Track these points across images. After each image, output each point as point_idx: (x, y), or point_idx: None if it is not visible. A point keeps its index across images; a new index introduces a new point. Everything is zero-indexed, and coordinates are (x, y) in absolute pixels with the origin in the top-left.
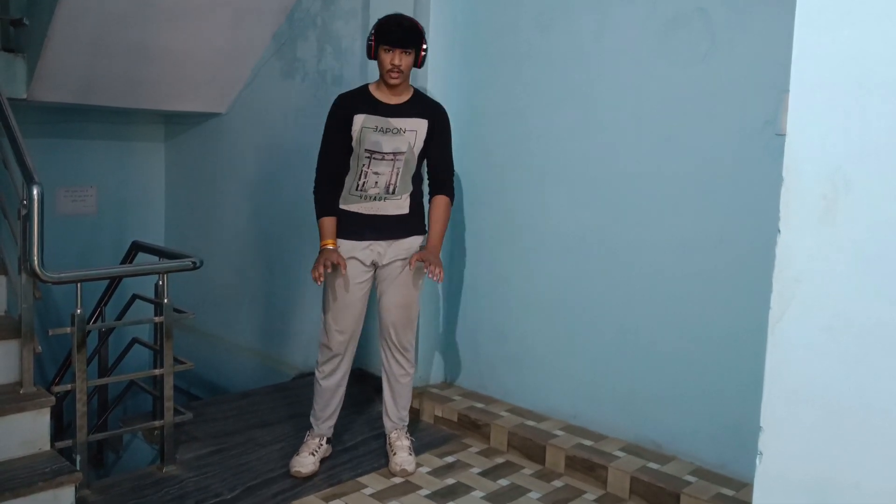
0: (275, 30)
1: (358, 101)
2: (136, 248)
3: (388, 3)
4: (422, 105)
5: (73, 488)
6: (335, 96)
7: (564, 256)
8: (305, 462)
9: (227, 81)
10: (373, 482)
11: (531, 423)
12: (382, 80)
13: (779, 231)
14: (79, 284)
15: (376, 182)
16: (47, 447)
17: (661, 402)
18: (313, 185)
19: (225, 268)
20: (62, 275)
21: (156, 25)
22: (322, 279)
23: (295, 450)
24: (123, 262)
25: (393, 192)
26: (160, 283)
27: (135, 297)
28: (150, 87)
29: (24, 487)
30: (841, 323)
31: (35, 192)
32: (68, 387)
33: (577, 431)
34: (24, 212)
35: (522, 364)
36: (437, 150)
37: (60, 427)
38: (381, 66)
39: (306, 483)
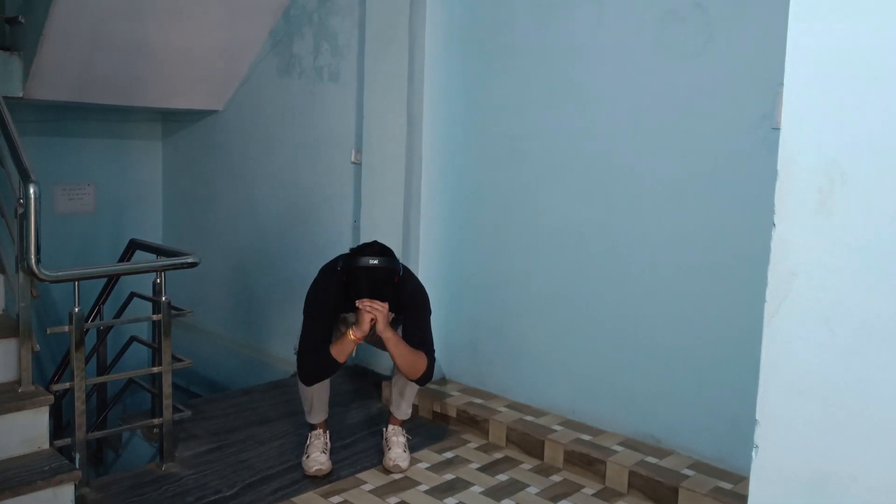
0: (271, 27)
1: (337, 298)
2: (134, 245)
3: None
4: (398, 305)
5: (73, 486)
6: (333, 94)
7: (562, 251)
8: (321, 459)
9: (223, 79)
10: (371, 478)
11: (530, 418)
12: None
13: (774, 224)
14: (76, 283)
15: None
16: (46, 445)
17: (660, 397)
18: (299, 367)
19: (223, 265)
20: (60, 273)
21: (152, 23)
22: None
23: (294, 446)
24: (121, 260)
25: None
26: (158, 280)
27: (133, 295)
28: (146, 85)
29: (23, 486)
30: (837, 315)
31: (32, 190)
32: (67, 385)
33: (576, 426)
34: (21, 210)
35: (521, 359)
36: (411, 330)
37: (59, 425)
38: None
39: (305, 479)
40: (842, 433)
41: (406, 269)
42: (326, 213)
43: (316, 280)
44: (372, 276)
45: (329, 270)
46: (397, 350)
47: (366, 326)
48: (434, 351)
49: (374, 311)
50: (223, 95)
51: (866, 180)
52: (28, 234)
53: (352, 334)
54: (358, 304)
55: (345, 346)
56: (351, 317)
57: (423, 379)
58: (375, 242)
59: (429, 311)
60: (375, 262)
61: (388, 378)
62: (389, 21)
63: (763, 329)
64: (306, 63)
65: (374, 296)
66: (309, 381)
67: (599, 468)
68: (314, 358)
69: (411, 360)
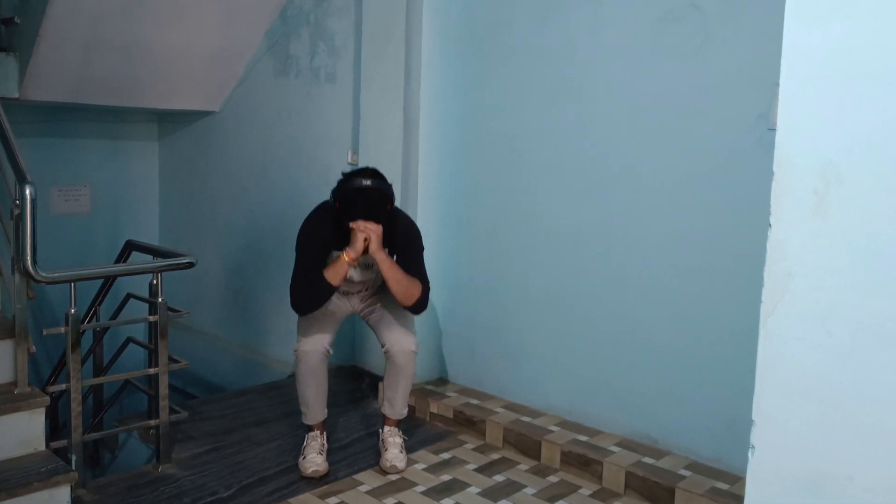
0: (267, 27)
1: (328, 233)
2: (130, 247)
3: None
4: (391, 235)
5: (69, 488)
6: (329, 95)
7: (559, 251)
8: (318, 460)
9: (220, 79)
10: (368, 479)
11: (526, 418)
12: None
13: (770, 225)
14: (73, 284)
15: (350, 288)
16: (43, 447)
17: (656, 397)
18: (292, 294)
19: (220, 266)
20: (56, 274)
21: (148, 23)
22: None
23: (291, 447)
24: (117, 261)
25: (366, 290)
26: (154, 281)
27: (129, 296)
28: (143, 86)
29: (19, 487)
30: (833, 316)
31: (28, 191)
32: (63, 386)
33: (573, 427)
34: (17, 212)
35: (518, 360)
36: (405, 264)
37: (56, 427)
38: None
39: (302, 481)
40: (838, 433)
41: (398, 208)
42: None
43: (307, 218)
44: (366, 198)
45: (320, 208)
46: (391, 273)
47: (359, 245)
48: (428, 282)
49: (367, 231)
50: (219, 96)
51: (862, 181)
52: (24, 235)
53: (345, 255)
54: (352, 225)
55: (338, 268)
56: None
57: (418, 306)
58: (368, 167)
59: (422, 248)
60: (368, 182)
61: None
62: (386, 21)
63: (759, 329)
64: (303, 63)
65: (368, 218)
66: (302, 308)
67: (596, 469)
68: (308, 283)
69: (405, 285)
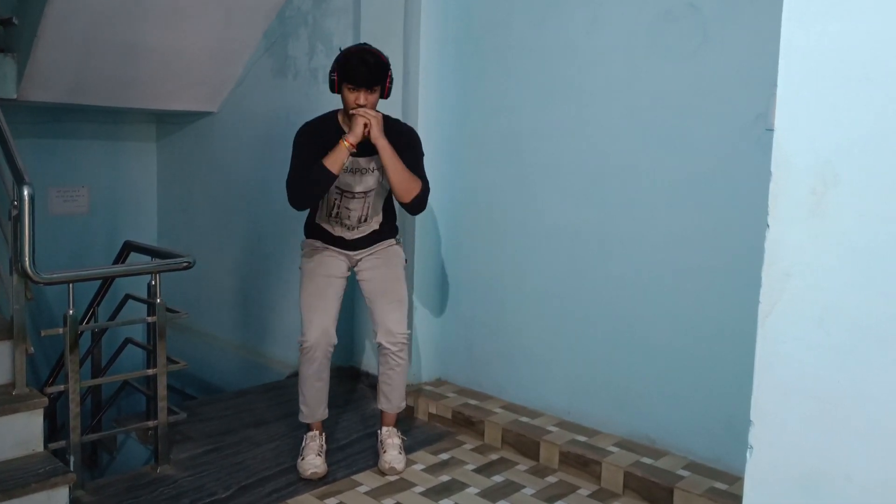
0: (266, 28)
1: (327, 136)
2: (129, 247)
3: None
4: (389, 136)
5: (67, 489)
6: (328, 95)
7: (557, 252)
8: (317, 462)
9: (218, 80)
10: (367, 480)
11: (525, 419)
12: (348, 117)
13: (768, 226)
14: (71, 285)
15: (349, 215)
16: (41, 448)
17: (655, 398)
18: (290, 188)
19: (218, 267)
20: (54, 275)
21: (146, 24)
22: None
23: (290, 448)
24: (116, 261)
25: (364, 221)
26: (153, 282)
27: (127, 297)
28: (141, 87)
29: (17, 489)
30: (831, 316)
31: (26, 192)
32: (61, 387)
33: (571, 427)
34: (15, 212)
35: (516, 360)
36: (407, 166)
37: (54, 428)
38: (345, 103)
39: (301, 482)
40: (836, 433)
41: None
42: None
43: (306, 122)
44: (365, 62)
45: (321, 116)
46: (391, 163)
47: (359, 130)
48: (428, 183)
49: (367, 116)
50: (218, 97)
51: (860, 182)
52: (22, 235)
53: (345, 141)
54: (352, 111)
55: (338, 155)
56: None
57: (416, 204)
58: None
59: (422, 153)
60: (367, 46)
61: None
62: (384, 22)
63: (757, 329)
64: (301, 64)
65: (367, 83)
66: (300, 199)
67: (595, 469)
68: (307, 173)
69: (405, 177)
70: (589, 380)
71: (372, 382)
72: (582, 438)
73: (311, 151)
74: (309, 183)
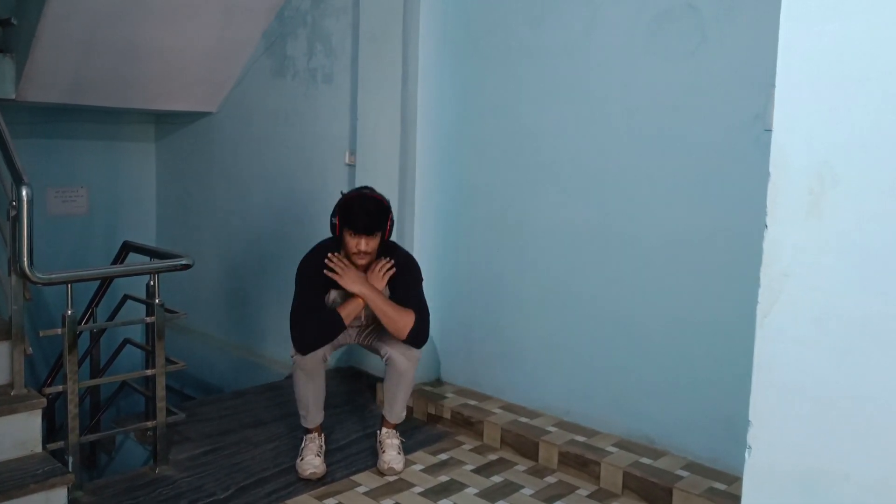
0: (265, 28)
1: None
2: (128, 248)
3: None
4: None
5: (66, 490)
6: (327, 96)
7: (556, 252)
8: (316, 462)
9: (217, 80)
10: (366, 480)
11: (524, 419)
12: (349, 258)
13: (766, 226)
14: (69, 285)
15: (350, 323)
16: (39, 449)
17: (654, 398)
18: (297, 331)
19: (217, 267)
20: (53, 276)
21: (145, 24)
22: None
23: (289, 449)
24: (114, 262)
25: (364, 321)
26: (152, 283)
27: (126, 297)
28: (140, 87)
29: (15, 489)
30: (829, 316)
31: (24, 192)
32: (60, 388)
33: (570, 427)
34: (13, 213)
35: (515, 361)
36: (401, 293)
37: (52, 428)
38: (345, 247)
39: (299, 482)
40: (834, 432)
41: (397, 244)
42: (320, 214)
43: (307, 255)
44: (366, 210)
45: (320, 245)
46: (375, 308)
47: (355, 311)
48: (427, 310)
49: (339, 266)
50: (217, 97)
51: (857, 181)
52: (21, 236)
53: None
54: (326, 260)
55: (353, 308)
56: (337, 295)
57: (414, 337)
58: (367, 186)
59: (420, 279)
60: (368, 191)
61: (383, 380)
62: (383, 22)
63: (756, 330)
64: (300, 64)
65: (368, 230)
66: (308, 346)
67: (594, 469)
68: (316, 316)
69: (394, 317)
70: (588, 380)
71: (372, 382)
72: (581, 438)
73: (316, 292)
74: (320, 329)
